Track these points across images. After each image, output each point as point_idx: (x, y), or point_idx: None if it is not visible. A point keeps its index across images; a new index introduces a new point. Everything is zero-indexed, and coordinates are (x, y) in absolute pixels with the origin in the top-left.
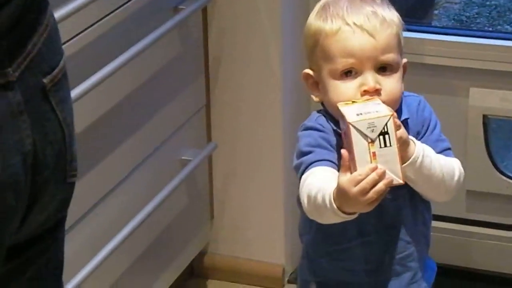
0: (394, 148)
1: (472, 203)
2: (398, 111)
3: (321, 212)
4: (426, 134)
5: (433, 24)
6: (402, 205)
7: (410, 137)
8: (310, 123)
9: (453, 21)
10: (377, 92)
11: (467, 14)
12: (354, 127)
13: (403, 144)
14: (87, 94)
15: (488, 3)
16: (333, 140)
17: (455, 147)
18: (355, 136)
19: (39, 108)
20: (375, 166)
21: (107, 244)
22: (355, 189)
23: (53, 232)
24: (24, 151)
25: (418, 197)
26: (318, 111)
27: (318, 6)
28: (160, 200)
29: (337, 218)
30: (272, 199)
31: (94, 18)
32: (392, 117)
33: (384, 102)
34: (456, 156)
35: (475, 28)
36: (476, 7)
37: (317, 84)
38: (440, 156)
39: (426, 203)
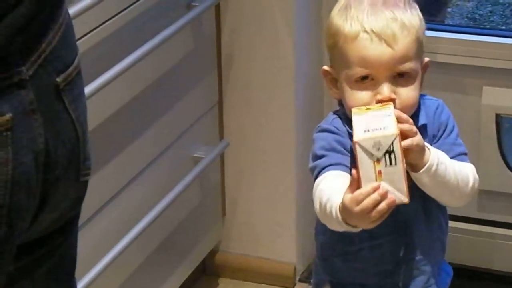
0: (400, 166)
1: (485, 202)
2: (416, 116)
3: (329, 220)
4: (442, 137)
5: (446, 23)
6: (415, 210)
7: (426, 144)
8: (325, 125)
9: (466, 19)
10: (392, 101)
11: (480, 12)
12: (360, 145)
13: (420, 152)
14: (100, 91)
15: (501, 1)
16: (348, 143)
17: (468, 146)
18: (360, 154)
19: (51, 107)
20: (378, 186)
21: (119, 241)
22: (357, 208)
23: (65, 230)
24: (36, 149)
25: (433, 202)
26: (335, 112)
27: (341, 2)
28: (172, 198)
29: (343, 228)
30: (284, 197)
31: (107, 15)
32: (398, 137)
33: (399, 110)
34: (469, 156)
35: (488, 27)
36: (490, 5)
37: (335, 81)
38: (455, 162)
39: (441, 208)
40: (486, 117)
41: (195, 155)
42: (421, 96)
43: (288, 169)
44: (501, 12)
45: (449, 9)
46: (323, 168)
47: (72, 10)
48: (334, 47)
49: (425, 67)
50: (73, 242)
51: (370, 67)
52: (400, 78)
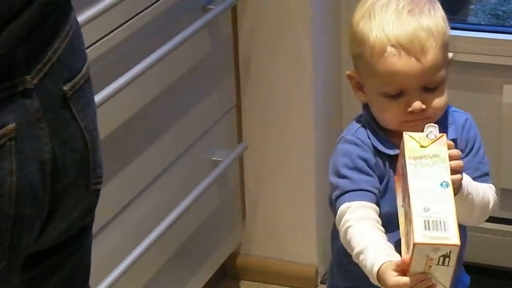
0: (451, 269)
1: (507, 201)
2: (445, 130)
3: (357, 262)
4: (470, 154)
5: (469, 20)
6: None
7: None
8: (349, 136)
9: (489, 16)
10: (423, 112)
11: (504, 8)
12: (419, 248)
13: (460, 185)
14: (118, 94)
15: None
16: (372, 160)
17: (489, 145)
18: (417, 253)
19: (58, 116)
20: (426, 279)
21: (139, 244)
22: None
23: (78, 238)
24: (42, 159)
25: None
26: (358, 120)
27: (364, 6)
28: (191, 201)
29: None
30: (304, 199)
31: (123, 19)
32: (458, 248)
33: (430, 118)
34: (490, 155)
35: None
36: None
37: (361, 85)
38: (479, 186)
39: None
40: (508, 115)
41: (214, 158)
42: (449, 108)
43: (308, 171)
44: None
45: (472, 6)
46: (346, 192)
47: (86, 15)
48: (360, 57)
49: (449, 63)
50: (87, 250)
51: (400, 83)
52: (430, 87)
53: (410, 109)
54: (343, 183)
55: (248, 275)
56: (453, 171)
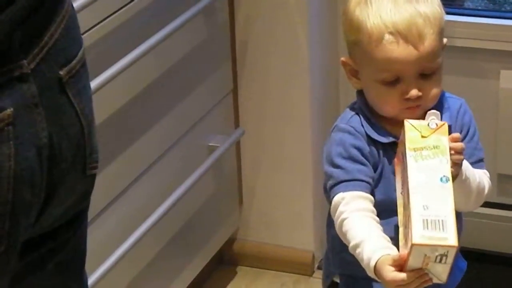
0: (448, 266)
1: (504, 186)
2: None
3: (354, 255)
4: (465, 140)
5: (465, 5)
6: None
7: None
8: (342, 124)
9: (486, 1)
10: (419, 99)
11: None
12: (417, 248)
13: (460, 166)
14: (114, 80)
15: None
16: (366, 148)
17: (486, 130)
18: (414, 253)
19: (55, 100)
20: (423, 274)
21: (135, 231)
22: (391, 286)
23: (74, 224)
24: (39, 144)
25: None
26: (352, 108)
27: None
28: (188, 187)
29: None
30: (301, 184)
31: (120, 4)
32: (455, 249)
33: (424, 105)
34: (487, 140)
35: (508, 8)
36: None
37: (356, 71)
38: (476, 173)
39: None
40: (504, 101)
41: (211, 143)
42: (444, 94)
43: (305, 157)
44: None
45: None
46: (340, 182)
47: (82, 0)
48: (357, 44)
49: (443, 48)
50: (83, 235)
51: (397, 70)
52: (426, 74)
53: (407, 96)
54: (337, 173)
55: (245, 261)
56: (454, 153)
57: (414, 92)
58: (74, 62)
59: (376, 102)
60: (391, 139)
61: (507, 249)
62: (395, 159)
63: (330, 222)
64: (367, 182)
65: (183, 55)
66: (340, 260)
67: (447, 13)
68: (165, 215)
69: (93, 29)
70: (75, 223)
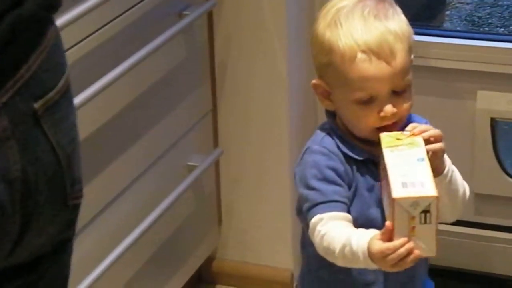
0: (433, 226)
1: (481, 206)
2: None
3: (353, 263)
4: None
5: (444, 25)
6: None
7: None
8: (315, 145)
9: (465, 21)
10: (393, 116)
11: (479, 14)
12: (398, 203)
13: (443, 155)
14: (92, 100)
15: (500, 3)
16: (340, 168)
17: (463, 150)
18: (398, 210)
19: (28, 133)
20: (406, 241)
21: (114, 250)
22: (383, 260)
23: (56, 253)
24: (10, 178)
25: None
26: (322, 128)
27: (327, 16)
28: (166, 206)
29: (368, 266)
30: (280, 204)
31: (99, 24)
32: (436, 200)
33: (398, 122)
34: (464, 160)
35: (486, 29)
36: (488, 7)
37: (328, 93)
38: (456, 171)
39: None
40: (481, 121)
41: (189, 163)
42: (410, 115)
43: (283, 176)
44: (500, 14)
45: (447, 12)
46: (316, 205)
47: (63, 19)
48: (329, 66)
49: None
50: (66, 263)
51: (372, 89)
52: (399, 91)
53: (382, 113)
54: (313, 195)
55: (224, 280)
56: (434, 141)
57: (389, 108)
58: (51, 93)
59: (352, 122)
60: (366, 156)
61: (484, 268)
62: (380, 183)
63: (304, 242)
64: (343, 203)
65: (163, 74)
66: (317, 278)
67: (424, 34)
68: (144, 233)
69: (72, 49)
70: (58, 252)
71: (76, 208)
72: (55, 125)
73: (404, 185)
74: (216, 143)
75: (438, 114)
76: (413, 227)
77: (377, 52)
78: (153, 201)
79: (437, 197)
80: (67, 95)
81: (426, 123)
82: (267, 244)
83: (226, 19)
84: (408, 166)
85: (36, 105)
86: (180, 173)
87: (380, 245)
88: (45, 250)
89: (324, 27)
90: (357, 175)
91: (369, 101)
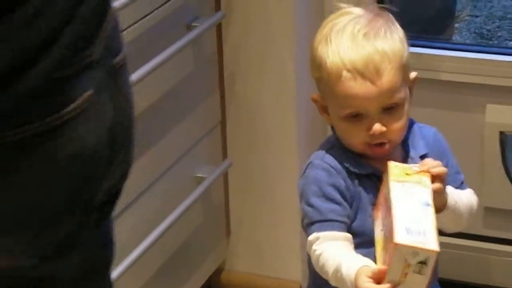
0: (426, 278)
1: (489, 219)
2: (415, 147)
3: (337, 285)
4: (448, 168)
5: (453, 38)
6: None
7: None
8: (317, 160)
9: (474, 34)
10: (382, 135)
11: (488, 27)
12: (399, 248)
13: (443, 194)
14: None
15: (509, 16)
16: (342, 184)
17: (472, 164)
18: (396, 255)
19: (113, 88)
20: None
21: (123, 261)
22: None
23: (111, 203)
24: (108, 124)
25: None
26: (327, 142)
27: (323, 31)
28: (175, 217)
29: None
30: (288, 215)
31: None
32: (436, 255)
33: (390, 142)
34: (473, 173)
35: (496, 42)
36: (497, 20)
37: (325, 107)
38: (462, 194)
39: None
40: (490, 135)
41: (198, 175)
42: (416, 125)
43: (292, 187)
44: (509, 27)
45: (456, 25)
46: (313, 223)
47: None
48: (320, 80)
49: (414, 82)
50: (108, 229)
51: (358, 106)
52: (389, 108)
53: (370, 132)
54: (311, 213)
55: None
56: (439, 178)
57: (377, 127)
58: (121, 55)
59: (343, 137)
60: (369, 170)
61: (492, 282)
62: (376, 207)
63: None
64: (341, 222)
65: (172, 86)
66: None
67: (433, 47)
68: (153, 245)
69: None
70: (111, 203)
71: (132, 160)
72: (121, 86)
73: (408, 231)
74: (225, 155)
75: (447, 128)
76: (406, 273)
77: (362, 72)
78: (162, 213)
79: (438, 253)
80: (126, 65)
81: (435, 131)
82: (276, 256)
83: (234, 31)
84: (413, 209)
85: (115, 61)
86: (188, 184)
87: (368, 285)
88: (108, 198)
89: (317, 42)
90: (360, 189)
91: (357, 117)
